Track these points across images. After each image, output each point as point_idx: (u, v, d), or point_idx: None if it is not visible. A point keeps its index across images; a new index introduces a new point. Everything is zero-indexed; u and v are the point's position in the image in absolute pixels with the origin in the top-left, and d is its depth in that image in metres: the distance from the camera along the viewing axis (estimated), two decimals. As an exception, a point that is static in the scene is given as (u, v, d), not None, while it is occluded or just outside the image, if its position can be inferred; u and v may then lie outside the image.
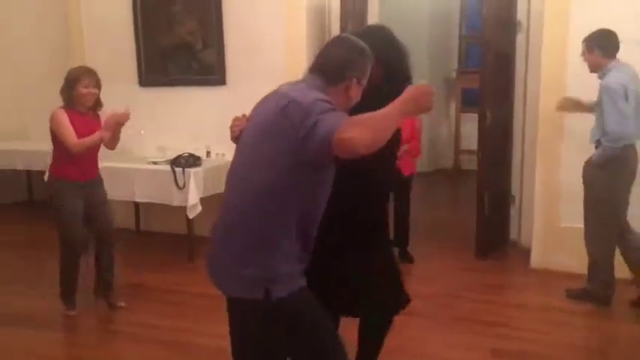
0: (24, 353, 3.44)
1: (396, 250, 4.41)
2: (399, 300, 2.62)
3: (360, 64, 2.02)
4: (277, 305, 1.91)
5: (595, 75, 3.92)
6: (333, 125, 1.73)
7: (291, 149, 1.83)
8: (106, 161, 4.83)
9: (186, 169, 4.75)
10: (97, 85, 3.79)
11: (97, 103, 3.85)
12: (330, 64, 2.01)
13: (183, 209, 4.78)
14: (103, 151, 4.14)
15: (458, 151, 8.58)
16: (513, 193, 5.32)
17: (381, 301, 2.56)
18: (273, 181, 1.88)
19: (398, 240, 4.78)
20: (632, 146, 3.75)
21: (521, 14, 5.12)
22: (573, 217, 4.32)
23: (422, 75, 7.80)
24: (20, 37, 6.79)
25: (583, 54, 3.88)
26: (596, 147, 3.79)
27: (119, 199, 5.01)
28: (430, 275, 4.53)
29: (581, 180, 3.89)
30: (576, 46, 4.19)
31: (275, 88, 2.05)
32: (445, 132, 8.96)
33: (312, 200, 1.96)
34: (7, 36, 6.77)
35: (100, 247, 3.98)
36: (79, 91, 3.70)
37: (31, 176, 6.91)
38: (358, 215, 2.43)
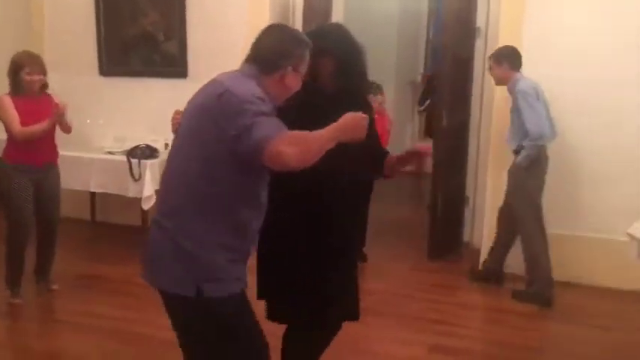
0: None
1: None
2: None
3: (295, 51, 2.01)
4: (208, 304, 1.91)
5: (548, 81, 4.17)
6: (268, 134, 1.76)
7: (220, 139, 1.84)
8: (62, 150, 4.79)
9: (142, 161, 4.73)
10: (42, 70, 3.78)
11: (44, 87, 3.82)
12: (263, 53, 2.00)
13: (138, 201, 4.77)
14: (59, 139, 4.14)
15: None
16: (468, 194, 5.42)
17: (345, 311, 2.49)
18: (205, 167, 1.88)
19: None
20: (544, 148, 4.03)
21: (480, 21, 5.23)
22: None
23: (388, 77, 7.93)
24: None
25: (490, 69, 4.18)
26: (516, 153, 4.04)
27: (75, 189, 4.99)
28: (381, 273, 4.59)
29: (510, 183, 4.12)
30: (529, 53, 4.35)
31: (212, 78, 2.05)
32: (409, 134, 9.06)
33: (249, 191, 1.95)
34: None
35: (43, 233, 3.98)
36: (23, 78, 3.69)
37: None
38: (333, 215, 2.37)
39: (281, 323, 2.46)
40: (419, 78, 8.82)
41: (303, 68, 2.05)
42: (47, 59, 5.49)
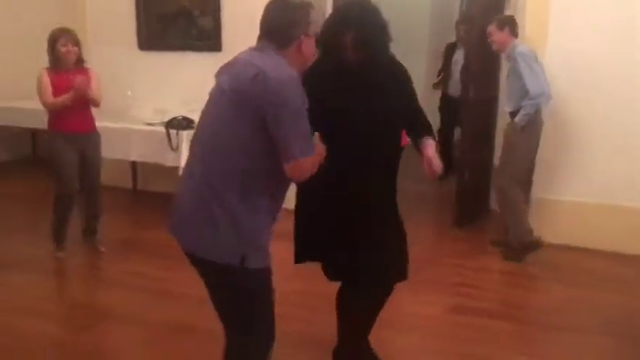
0: (24, 296, 3.71)
1: None
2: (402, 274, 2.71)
3: (302, 18, 2.08)
4: (246, 273, 2.04)
5: (571, 55, 4.43)
6: (303, 152, 1.99)
7: (255, 115, 1.97)
8: (104, 121, 5.09)
9: (180, 131, 4.97)
10: (76, 42, 4.09)
11: (79, 61, 4.13)
12: (274, 29, 2.08)
13: (176, 169, 5.02)
14: (101, 111, 4.43)
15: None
16: (495, 164, 5.51)
17: (395, 270, 2.67)
18: (245, 142, 2.00)
19: None
20: (540, 112, 4.26)
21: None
22: (547, 189, 4.59)
23: (421, 46, 8.01)
24: (22, 1, 6.98)
25: (491, 34, 4.35)
26: (513, 116, 4.24)
27: (117, 158, 5.28)
28: (408, 241, 4.74)
29: (505, 144, 4.36)
30: (557, 23, 4.44)
31: (238, 56, 2.16)
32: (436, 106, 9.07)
33: (279, 169, 2.04)
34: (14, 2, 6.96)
35: (87, 196, 4.32)
36: (59, 50, 4.00)
37: (36, 134, 7.17)
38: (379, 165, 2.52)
39: (341, 281, 2.66)
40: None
41: (314, 28, 2.13)
42: (89, 35, 5.88)
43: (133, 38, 5.86)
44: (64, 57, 4.04)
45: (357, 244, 2.54)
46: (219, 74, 2.18)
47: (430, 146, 2.55)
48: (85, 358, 3.01)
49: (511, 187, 4.28)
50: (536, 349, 3.17)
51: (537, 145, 4.37)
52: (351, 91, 2.43)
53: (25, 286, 3.84)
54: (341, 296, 2.75)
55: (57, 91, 4.00)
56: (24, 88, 7.12)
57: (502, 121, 5.37)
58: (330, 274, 2.67)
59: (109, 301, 3.70)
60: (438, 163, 2.51)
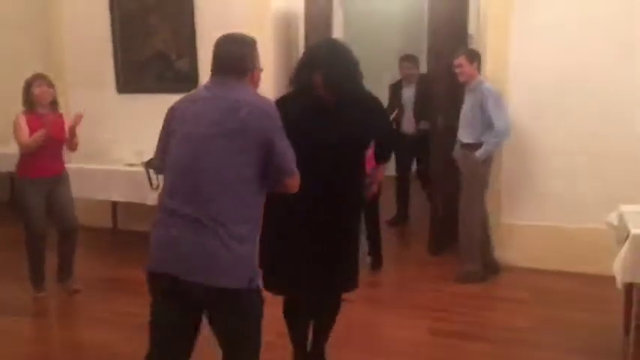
0: (11, 339, 3.76)
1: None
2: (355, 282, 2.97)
3: (253, 53, 2.34)
4: (256, 293, 2.20)
5: (531, 89, 4.71)
6: (294, 168, 2.26)
7: (259, 148, 2.16)
8: (83, 163, 5.19)
9: (160, 171, 5.08)
10: (50, 85, 4.26)
11: (53, 102, 4.29)
12: (233, 63, 2.27)
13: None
14: (82, 154, 4.55)
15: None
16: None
17: (350, 281, 2.93)
18: (247, 176, 2.15)
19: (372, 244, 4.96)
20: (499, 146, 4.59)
21: (472, 28, 5.53)
22: (514, 214, 4.81)
23: (392, 77, 8.25)
24: (2, 47, 7.09)
25: (461, 65, 4.51)
26: (468, 148, 4.49)
27: (97, 199, 5.37)
28: (386, 267, 4.91)
29: (463, 173, 4.58)
30: (516, 56, 4.70)
31: (200, 92, 2.32)
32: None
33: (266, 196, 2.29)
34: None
35: (63, 238, 4.40)
36: (34, 92, 4.17)
37: (13, 178, 7.15)
38: (343, 195, 2.78)
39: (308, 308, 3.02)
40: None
41: (260, 64, 2.37)
42: (68, 79, 6.01)
43: (112, 82, 6.01)
44: (39, 98, 4.18)
45: (331, 267, 2.79)
46: (183, 111, 2.26)
47: (379, 172, 3.07)
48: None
49: (470, 218, 4.52)
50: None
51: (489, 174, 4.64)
52: (318, 122, 2.65)
53: (11, 329, 3.88)
54: (296, 310, 3.04)
55: (32, 132, 4.11)
56: (1, 133, 7.21)
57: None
58: (299, 306, 2.98)
59: (97, 338, 3.75)
60: (373, 189, 3.02)
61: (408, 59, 6.20)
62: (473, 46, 5.47)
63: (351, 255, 2.90)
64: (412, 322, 3.88)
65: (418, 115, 6.03)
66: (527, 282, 4.57)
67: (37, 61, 6.70)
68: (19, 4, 7.01)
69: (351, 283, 2.93)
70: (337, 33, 5.99)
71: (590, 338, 3.64)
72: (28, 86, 4.21)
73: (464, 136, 4.57)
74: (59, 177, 4.36)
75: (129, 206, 5.75)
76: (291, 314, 3.05)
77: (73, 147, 4.38)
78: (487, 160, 4.49)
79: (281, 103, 2.58)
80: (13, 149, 6.58)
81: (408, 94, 6.17)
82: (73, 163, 4.89)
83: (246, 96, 2.23)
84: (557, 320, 3.91)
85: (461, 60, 4.51)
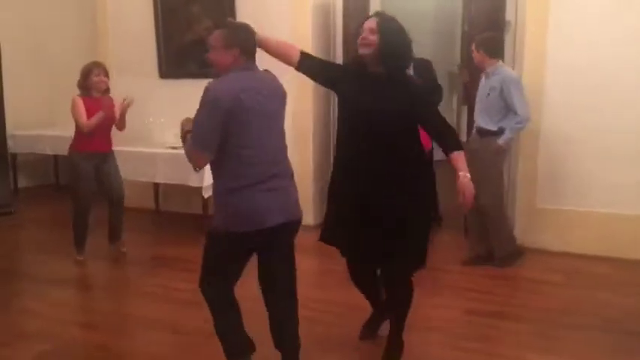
0: (64, 308, 3.97)
1: None
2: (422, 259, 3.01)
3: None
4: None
5: (568, 71, 4.71)
6: None
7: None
8: (128, 146, 5.40)
9: (202, 154, 5.26)
10: (106, 74, 4.65)
11: (107, 90, 4.68)
12: (252, 47, 2.69)
13: (199, 190, 5.31)
14: (126, 137, 4.80)
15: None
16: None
17: (414, 256, 2.96)
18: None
19: None
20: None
21: (509, 14, 5.56)
22: (548, 199, 4.87)
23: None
24: (51, 33, 7.36)
25: (472, 52, 4.60)
26: (486, 132, 4.49)
27: (141, 181, 5.58)
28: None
29: (481, 160, 4.43)
30: (554, 44, 4.74)
31: (249, 76, 2.62)
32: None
33: None
34: (40, 33, 7.33)
35: (112, 206, 4.83)
36: (92, 80, 4.55)
37: (57, 160, 7.48)
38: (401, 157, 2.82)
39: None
40: (456, 69, 9.13)
41: None
42: (112, 65, 6.21)
43: (154, 68, 6.20)
44: (96, 86, 4.59)
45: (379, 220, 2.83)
46: (252, 99, 2.57)
47: (460, 162, 2.75)
48: (128, 361, 3.27)
49: (495, 206, 4.53)
50: (546, 345, 3.40)
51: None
52: (365, 89, 2.82)
53: (68, 300, 4.12)
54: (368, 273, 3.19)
55: (88, 113, 4.54)
56: (47, 116, 7.51)
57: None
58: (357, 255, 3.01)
59: (143, 310, 3.94)
60: (470, 191, 2.69)
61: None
62: (510, 34, 5.52)
63: (416, 226, 2.87)
64: (447, 301, 4.00)
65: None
66: (561, 265, 4.65)
67: (83, 49, 6.98)
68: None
69: (415, 259, 2.94)
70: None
71: (625, 319, 3.71)
72: (88, 73, 4.58)
73: (482, 121, 4.58)
74: (108, 154, 4.75)
75: (171, 188, 5.96)
76: (353, 277, 3.17)
77: (122, 127, 4.80)
78: (506, 149, 4.54)
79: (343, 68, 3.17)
80: (57, 132, 6.97)
81: None
82: (118, 145, 5.09)
83: (268, 74, 2.74)
84: (592, 302, 3.99)
85: (472, 47, 4.63)
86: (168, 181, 5.63)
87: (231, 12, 5.73)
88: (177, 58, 6.11)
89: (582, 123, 4.81)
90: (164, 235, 5.65)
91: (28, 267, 4.96)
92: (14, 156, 7.02)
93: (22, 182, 7.30)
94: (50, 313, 3.85)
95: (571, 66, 4.79)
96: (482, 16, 5.36)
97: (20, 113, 6.92)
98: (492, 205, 4.52)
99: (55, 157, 7.38)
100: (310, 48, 5.42)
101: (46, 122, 7.45)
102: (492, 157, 4.49)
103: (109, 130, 4.73)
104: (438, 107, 4.92)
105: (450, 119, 9.23)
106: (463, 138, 8.34)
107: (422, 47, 7.01)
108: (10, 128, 6.58)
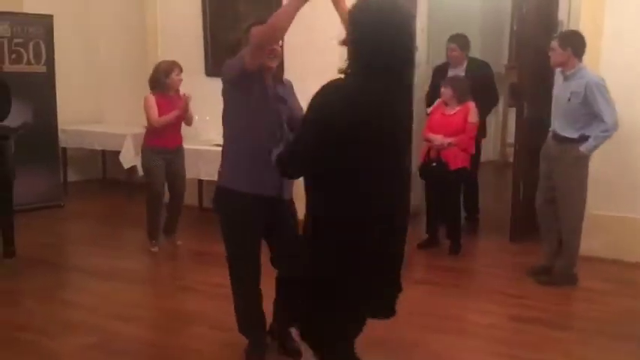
0: (113, 302, 4.04)
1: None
2: None
3: None
4: None
5: (624, 73, 4.47)
6: None
7: None
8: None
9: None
10: (181, 72, 4.83)
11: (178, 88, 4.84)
12: None
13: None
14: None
15: (504, 143, 8.86)
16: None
17: None
18: None
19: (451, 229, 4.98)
20: None
21: (562, 14, 5.42)
22: (598, 205, 4.69)
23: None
24: (101, 32, 7.52)
25: (553, 49, 4.15)
26: (566, 140, 4.13)
27: (187, 177, 5.64)
28: (466, 254, 4.94)
29: (560, 169, 4.19)
30: (609, 46, 4.58)
31: None
32: (493, 125, 9.21)
33: None
34: (91, 32, 7.51)
35: (172, 200, 5.00)
36: (172, 79, 4.72)
37: (105, 156, 7.64)
38: None
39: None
40: (502, 70, 8.96)
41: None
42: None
43: (201, 66, 6.27)
44: (175, 85, 4.79)
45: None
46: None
47: None
48: (176, 357, 3.30)
49: (575, 220, 4.21)
50: (589, 355, 3.30)
51: None
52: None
53: (112, 293, 4.18)
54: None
55: (161, 111, 4.69)
56: (96, 113, 7.68)
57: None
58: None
59: (185, 305, 3.99)
60: None
61: (453, 39, 5.52)
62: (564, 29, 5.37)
63: None
64: (491, 307, 3.91)
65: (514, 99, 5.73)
66: (609, 273, 4.51)
67: (132, 48, 7.12)
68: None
69: None
70: (421, 22, 6.00)
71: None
72: (169, 71, 4.74)
73: (562, 129, 4.19)
74: (179, 148, 4.93)
75: (214, 185, 5.99)
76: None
77: (190, 122, 4.97)
78: (589, 157, 4.17)
79: None
80: (105, 129, 7.13)
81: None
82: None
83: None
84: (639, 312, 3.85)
85: (553, 44, 4.17)
86: (211, 178, 5.66)
87: (278, 7, 5.71)
88: (224, 56, 6.13)
89: (637, 127, 4.64)
90: (207, 231, 5.68)
91: (74, 259, 5.08)
92: (64, 150, 7.20)
93: (72, 176, 7.47)
94: (95, 306, 3.93)
95: (626, 67, 4.62)
96: (533, 15, 5.23)
97: (71, 109, 7.08)
98: (572, 218, 4.22)
99: (103, 152, 7.53)
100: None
101: (95, 118, 7.62)
102: (572, 167, 4.16)
103: (179, 126, 4.89)
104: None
105: (496, 122, 9.08)
106: (511, 140, 8.22)
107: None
108: (61, 123, 6.74)
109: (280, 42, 2.84)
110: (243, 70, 2.76)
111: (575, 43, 4.13)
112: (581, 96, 4.04)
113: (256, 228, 3.01)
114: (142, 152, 4.90)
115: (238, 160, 2.93)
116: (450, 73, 5.41)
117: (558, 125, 4.23)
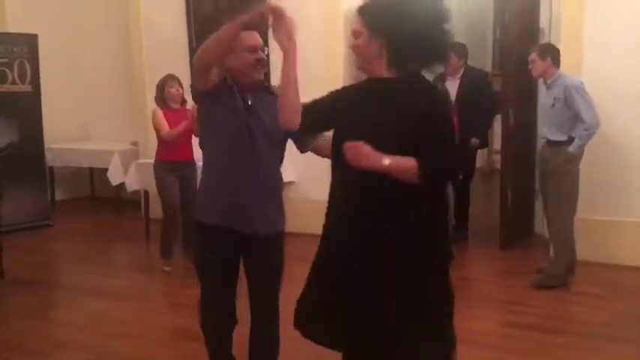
0: (107, 320, 4.00)
1: None
2: None
3: None
4: None
5: (606, 79, 4.57)
6: None
7: None
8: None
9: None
10: (181, 85, 4.81)
11: (183, 101, 4.85)
12: None
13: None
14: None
15: (491, 151, 8.91)
16: (538, 188, 5.68)
17: None
18: None
19: None
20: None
21: (544, 22, 5.49)
22: (586, 210, 4.73)
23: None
24: (86, 49, 7.51)
25: (533, 61, 4.37)
26: (555, 144, 4.29)
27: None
28: (457, 262, 4.89)
29: (551, 172, 4.31)
30: (590, 53, 4.65)
31: None
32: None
33: None
34: (75, 49, 7.48)
35: (185, 215, 4.87)
36: (168, 92, 4.73)
37: (93, 173, 7.60)
38: None
39: None
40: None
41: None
42: (146, 79, 6.31)
43: (187, 78, 6.19)
44: (172, 96, 4.77)
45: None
46: None
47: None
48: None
49: (567, 217, 4.30)
50: (586, 358, 3.31)
51: None
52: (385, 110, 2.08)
53: (104, 311, 4.14)
54: None
55: (168, 125, 4.71)
56: (82, 130, 7.65)
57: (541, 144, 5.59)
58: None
59: (185, 323, 3.91)
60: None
61: (451, 48, 5.71)
62: (545, 40, 5.44)
63: None
64: (485, 314, 3.92)
65: (460, 110, 5.80)
66: (603, 277, 4.53)
67: (117, 65, 7.11)
68: (100, 12, 7.42)
69: None
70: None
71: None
72: (162, 85, 4.77)
73: (551, 133, 4.37)
74: (189, 162, 4.85)
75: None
76: None
77: (197, 133, 4.77)
78: (578, 157, 4.31)
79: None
80: (93, 146, 7.10)
81: (451, 88, 5.49)
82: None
83: None
84: (634, 315, 3.88)
85: (532, 56, 4.40)
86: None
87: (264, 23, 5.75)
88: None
89: (622, 132, 4.70)
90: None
91: (64, 278, 5.04)
92: (51, 169, 7.15)
93: (59, 195, 7.42)
94: (87, 324, 3.89)
95: (608, 73, 4.69)
96: (515, 24, 5.29)
97: (57, 127, 7.05)
98: (564, 216, 4.31)
99: (91, 169, 7.50)
100: (343, 55, 5.43)
101: (81, 136, 7.59)
102: (564, 166, 4.29)
103: (190, 139, 4.78)
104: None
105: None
106: (497, 146, 8.27)
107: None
108: (48, 142, 6.71)
109: (267, 50, 2.51)
110: (194, 90, 2.50)
111: (554, 53, 4.37)
112: (562, 100, 4.24)
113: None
114: (155, 169, 4.87)
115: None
116: (448, 82, 5.44)
117: (548, 131, 4.41)
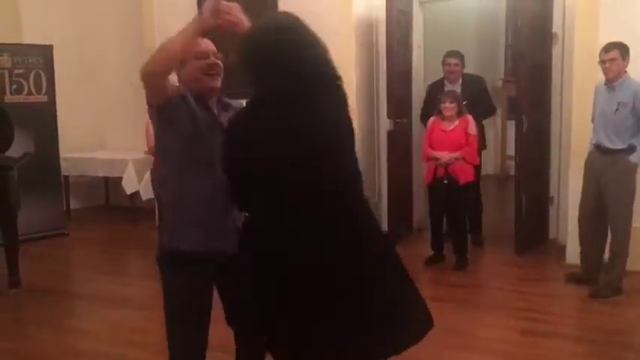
0: (133, 330, 4.01)
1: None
2: None
3: None
4: None
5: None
6: None
7: None
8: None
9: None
10: None
11: None
12: None
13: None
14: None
15: (504, 157, 8.88)
16: (553, 194, 5.64)
17: None
18: None
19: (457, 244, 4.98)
20: None
21: (556, 27, 5.47)
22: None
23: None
24: (100, 59, 7.59)
25: (614, 59, 4.00)
26: (613, 151, 4.06)
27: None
28: (471, 268, 4.93)
29: (607, 181, 4.12)
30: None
31: None
32: (492, 139, 9.24)
33: None
34: (90, 59, 7.56)
35: None
36: None
37: (108, 182, 7.66)
38: None
39: None
40: (499, 83, 9.02)
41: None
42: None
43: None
44: None
45: None
46: None
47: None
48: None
49: (626, 228, 4.15)
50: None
51: None
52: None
53: (121, 320, 4.16)
54: None
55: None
56: (97, 139, 7.71)
57: (555, 150, 5.56)
58: None
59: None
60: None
61: (454, 54, 5.54)
62: (558, 44, 5.42)
63: None
64: (501, 321, 3.90)
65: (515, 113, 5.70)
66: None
67: (131, 74, 7.14)
68: (115, 22, 7.50)
69: None
70: (417, 39, 6.07)
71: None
72: None
73: (610, 141, 4.09)
74: None
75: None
76: None
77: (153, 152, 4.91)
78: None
79: None
80: (108, 155, 7.16)
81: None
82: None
83: None
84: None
85: (613, 54, 3.99)
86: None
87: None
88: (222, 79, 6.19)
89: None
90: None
91: (80, 287, 5.07)
92: (66, 178, 7.21)
93: (75, 204, 7.48)
94: (104, 333, 3.92)
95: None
96: (527, 29, 5.28)
97: (72, 137, 7.13)
98: (623, 229, 4.14)
99: (106, 178, 7.55)
100: (354, 63, 5.44)
101: (96, 145, 7.65)
102: (623, 177, 4.09)
103: None
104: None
105: (495, 135, 9.11)
106: (511, 152, 8.24)
107: (465, 61, 7.05)
108: (63, 151, 6.77)
109: (222, 57, 2.35)
110: (151, 106, 2.22)
111: (629, 53, 4.05)
112: (630, 106, 3.99)
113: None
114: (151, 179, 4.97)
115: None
116: (447, 89, 5.39)
117: (605, 137, 4.13)
